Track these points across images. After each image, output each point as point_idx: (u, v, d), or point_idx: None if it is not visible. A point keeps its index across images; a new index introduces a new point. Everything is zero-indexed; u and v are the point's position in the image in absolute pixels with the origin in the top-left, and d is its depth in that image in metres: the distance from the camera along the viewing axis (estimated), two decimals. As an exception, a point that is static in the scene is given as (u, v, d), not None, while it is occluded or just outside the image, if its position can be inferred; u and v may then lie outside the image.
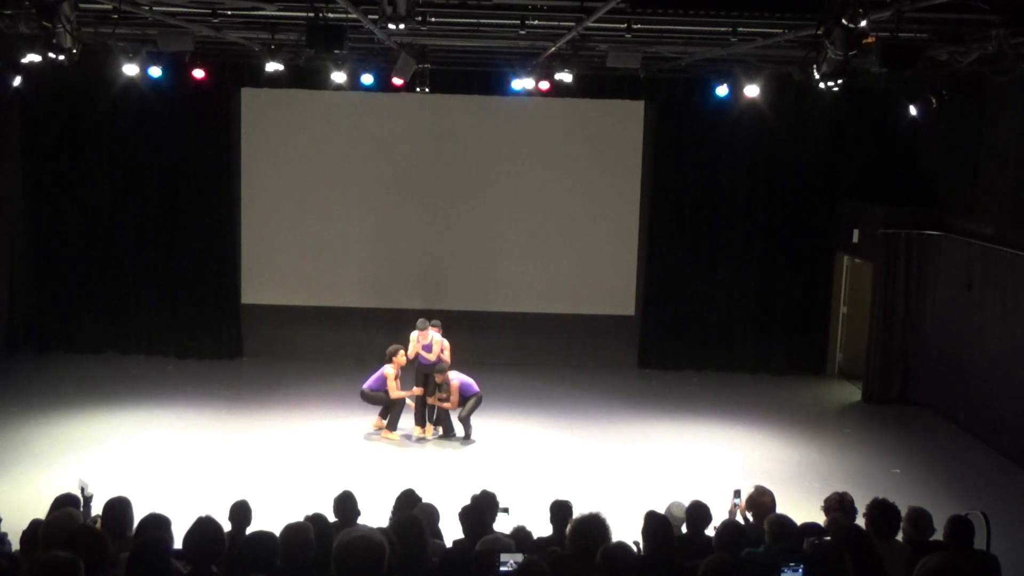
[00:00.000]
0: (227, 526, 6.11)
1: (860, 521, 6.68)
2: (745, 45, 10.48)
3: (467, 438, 12.57)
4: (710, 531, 6.70)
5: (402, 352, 12.53)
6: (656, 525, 6.00)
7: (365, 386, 12.58)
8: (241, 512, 6.89)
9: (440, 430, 12.69)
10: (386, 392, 12.41)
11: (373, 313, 16.27)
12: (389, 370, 12.41)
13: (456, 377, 12.55)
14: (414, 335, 12.75)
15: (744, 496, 7.42)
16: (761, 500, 7.17)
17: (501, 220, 16.41)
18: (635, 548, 5.70)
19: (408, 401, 12.66)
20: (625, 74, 13.79)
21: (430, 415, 12.76)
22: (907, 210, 14.89)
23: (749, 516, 7.27)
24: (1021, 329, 12.38)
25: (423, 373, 12.71)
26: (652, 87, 14.98)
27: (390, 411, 12.53)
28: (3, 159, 15.82)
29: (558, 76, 13.34)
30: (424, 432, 12.67)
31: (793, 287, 16.35)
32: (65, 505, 6.50)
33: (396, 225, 16.36)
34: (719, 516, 7.24)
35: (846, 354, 16.46)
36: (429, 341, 12.68)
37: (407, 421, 12.75)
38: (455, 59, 13.56)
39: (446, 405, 12.59)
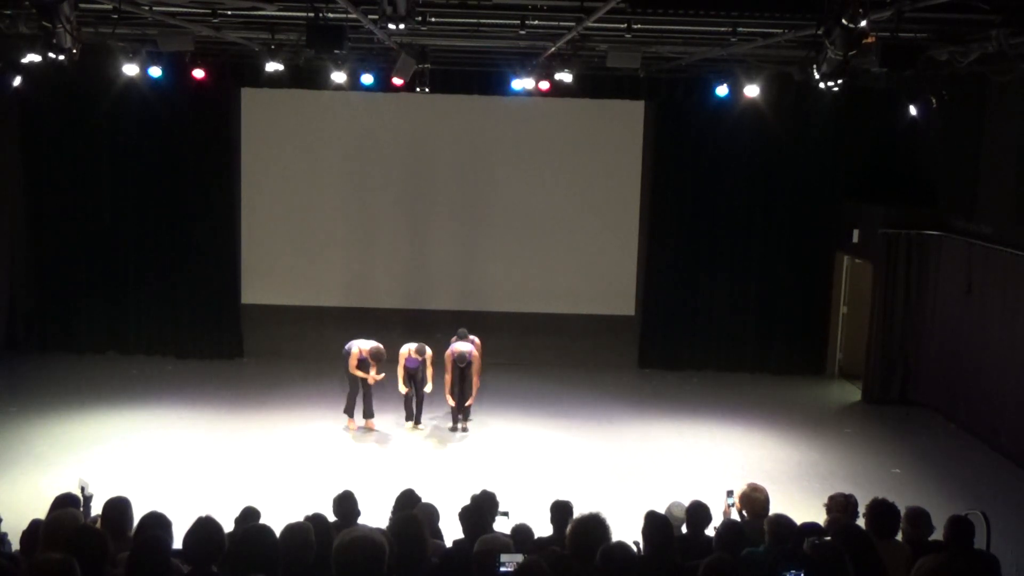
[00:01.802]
0: (231, 528, 6.10)
1: (860, 521, 6.67)
2: (745, 45, 10.48)
3: (466, 420, 12.73)
4: (710, 531, 6.69)
5: (375, 368, 12.65)
6: (656, 525, 6.00)
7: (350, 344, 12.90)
8: (250, 518, 6.85)
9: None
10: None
11: (373, 313, 16.26)
12: (355, 349, 12.66)
13: (462, 346, 12.68)
14: (404, 350, 12.77)
15: (737, 494, 7.42)
16: (754, 496, 7.16)
17: (501, 220, 16.41)
18: (635, 548, 5.70)
19: (401, 391, 12.84)
20: (625, 74, 13.79)
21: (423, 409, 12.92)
22: (907, 210, 14.88)
23: (744, 514, 7.26)
24: (1021, 329, 12.38)
25: (409, 375, 12.82)
26: (652, 87, 14.96)
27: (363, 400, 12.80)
28: (3, 159, 15.81)
29: (558, 76, 13.32)
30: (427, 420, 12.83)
31: (793, 287, 16.34)
32: (65, 505, 6.49)
33: (396, 225, 16.36)
34: (719, 516, 7.25)
35: (846, 354, 16.45)
36: (423, 358, 12.76)
37: (399, 418, 12.80)
38: (455, 59, 13.55)
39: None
